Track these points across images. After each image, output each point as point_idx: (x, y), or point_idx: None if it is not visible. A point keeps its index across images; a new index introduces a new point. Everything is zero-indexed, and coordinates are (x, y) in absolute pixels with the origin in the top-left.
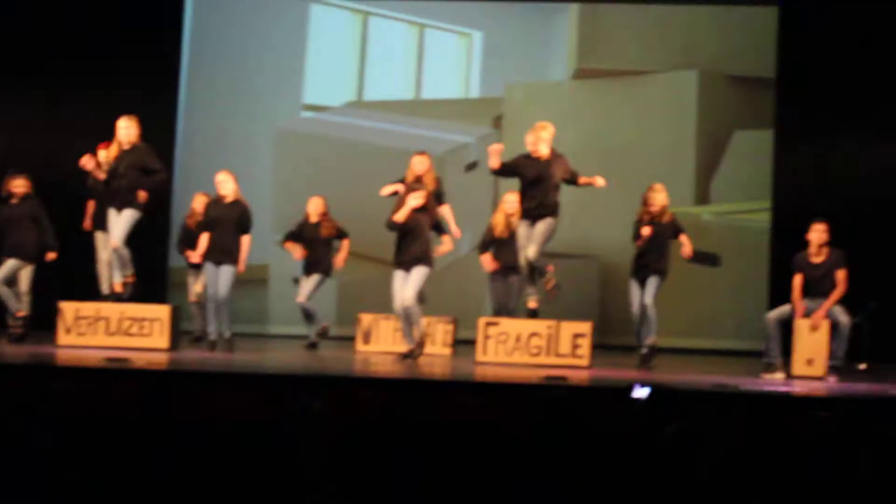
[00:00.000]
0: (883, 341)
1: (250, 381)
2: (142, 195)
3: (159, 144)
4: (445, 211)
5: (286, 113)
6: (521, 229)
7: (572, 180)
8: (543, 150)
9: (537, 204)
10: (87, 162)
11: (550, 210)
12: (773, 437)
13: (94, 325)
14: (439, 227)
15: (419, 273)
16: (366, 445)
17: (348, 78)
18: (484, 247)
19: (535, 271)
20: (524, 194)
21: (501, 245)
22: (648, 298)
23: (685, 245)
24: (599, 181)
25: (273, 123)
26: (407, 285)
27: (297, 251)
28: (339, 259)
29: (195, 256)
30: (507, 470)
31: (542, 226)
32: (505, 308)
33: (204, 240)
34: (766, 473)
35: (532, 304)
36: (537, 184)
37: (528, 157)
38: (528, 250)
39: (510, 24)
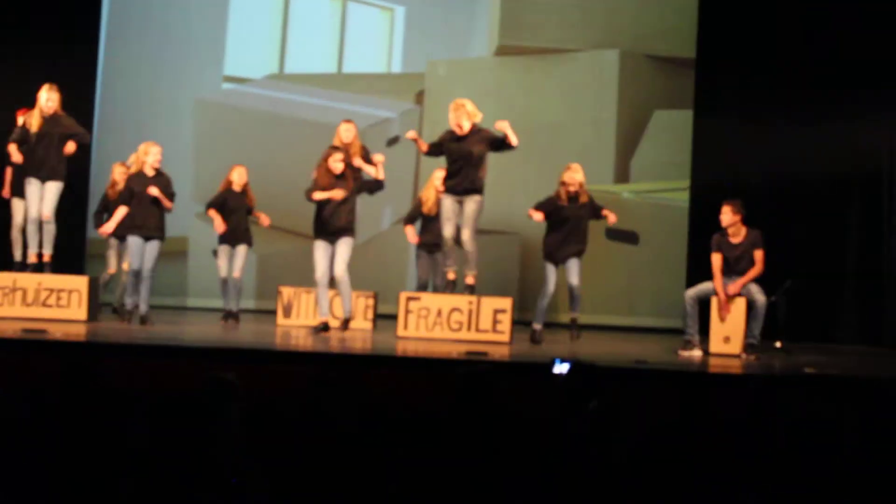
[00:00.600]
0: (798, 320)
1: (170, 353)
2: (70, 146)
3: (77, 114)
4: (378, 159)
5: (207, 84)
6: (447, 204)
7: (497, 145)
8: (465, 126)
9: (462, 180)
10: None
11: (477, 187)
12: (692, 412)
13: (10, 295)
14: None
15: (346, 244)
16: (286, 419)
17: (270, 50)
18: (410, 219)
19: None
20: (449, 171)
21: (429, 221)
22: (576, 279)
23: (609, 216)
24: (513, 139)
25: (193, 94)
26: (337, 257)
27: (219, 221)
28: (264, 218)
29: (108, 228)
30: (428, 445)
31: (472, 205)
32: (429, 283)
33: (119, 212)
34: (685, 449)
35: (451, 275)
36: (461, 160)
37: (452, 135)
38: (463, 233)
39: (433, 0)
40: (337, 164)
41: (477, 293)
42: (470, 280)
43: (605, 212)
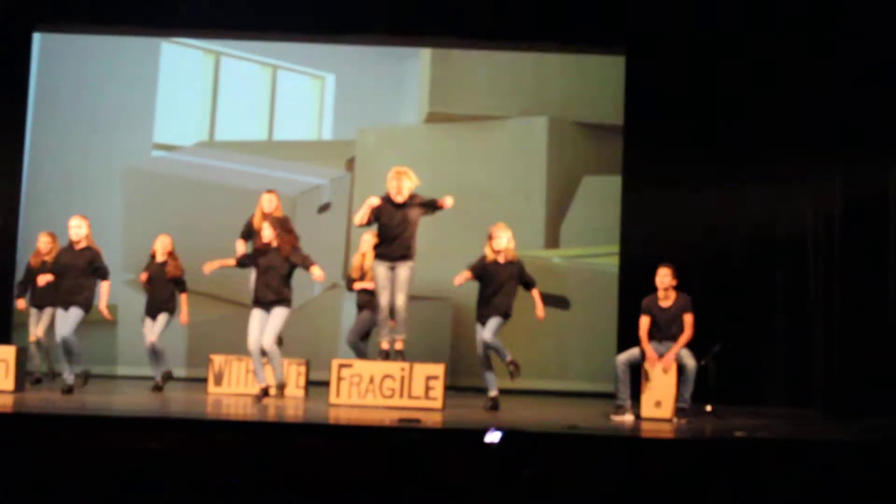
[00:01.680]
0: (728, 383)
1: (99, 424)
2: None
3: (4, 184)
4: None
5: (136, 152)
6: (380, 272)
7: (430, 207)
8: (406, 193)
9: (398, 246)
10: None
11: (410, 253)
12: (624, 477)
13: None
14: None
15: (279, 314)
16: (217, 489)
17: (200, 118)
18: (350, 284)
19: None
20: (383, 238)
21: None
22: (487, 335)
23: (538, 307)
24: (448, 201)
25: (122, 162)
26: (267, 327)
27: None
28: (183, 315)
29: (22, 304)
30: None
31: (406, 271)
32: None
33: (40, 281)
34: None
35: (385, 345)
36: (399, 227)
37: (389, 201)
38: (398, 299)
39: (363, 68)
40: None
41: (409, 359)
42: (399, 345)
43: (533, 293)
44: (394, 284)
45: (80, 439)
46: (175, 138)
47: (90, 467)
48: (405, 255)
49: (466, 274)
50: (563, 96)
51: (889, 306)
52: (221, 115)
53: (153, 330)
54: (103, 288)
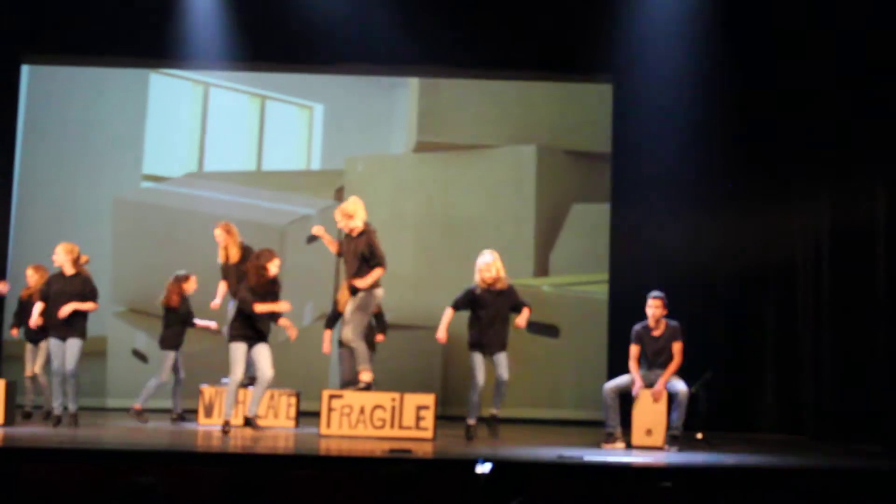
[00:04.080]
0: (718, 410)
1: (89, 457)
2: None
3: None
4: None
5: (125, 183)
6: (348, 307)
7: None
8: (355, 228)
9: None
10: None
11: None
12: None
13: None
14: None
15: (267, 347)
16: None
17: (189, 148)
18: (329, 322)
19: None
20: (347, 272)
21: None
22: (505, 373)
23: (521, 319)
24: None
25: (112, 193)
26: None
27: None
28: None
29: (16, 332)
30: None
31: (351, 304)
32: (352, 381)
33: (36, 310)
34: None
35: (361, 377)
36: (350, 261)
37: (347, 236)
38: (343, 332)
39: (351, 97)
40: (274, 267)
41: (400, 389)
42: (364, 377)
43: (524, 311)
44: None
45: (69, 472)
46: (164, 169)
47: (79, 500)
48: (354, 289)
49: (449, 316)
50: (551, 124)
51: (878, 331)
52: (210, 146)
53: (166, 367)
54: (87, 304)
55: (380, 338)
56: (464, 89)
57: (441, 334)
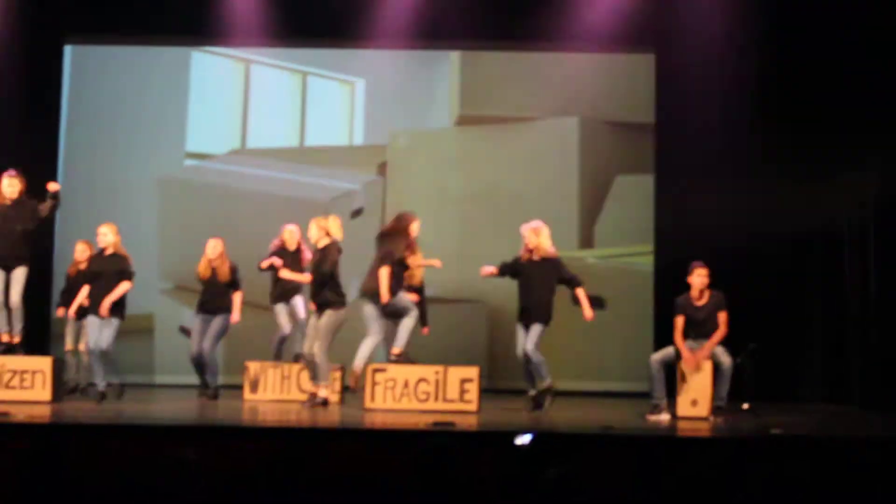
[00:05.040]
0: (764, 380)
1: (135, 433)
2: (43, 210)
3: (41, 195)
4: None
5: (169, 161)
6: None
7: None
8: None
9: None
10: None
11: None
12: (660, 477)
13: None
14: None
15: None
16: (253, 496)
17: (231, 126)
18: None
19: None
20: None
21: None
22: (529, 345)
23: (584, 307)
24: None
25: (156, 172)
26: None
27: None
28: (235, 315)
29: (70, 311)
30: None
31: (324, 319)
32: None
33: (82, 292)
34: None
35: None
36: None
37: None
38: (313, 346)
39: (393, 72)
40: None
41: (445, 363)
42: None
43: (581, 297)
44: None
45: (117, 448)
46: (207, 147)
47: (126, 476)
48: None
49: (492, 269)
50: (593, 95)
51: None
52: (253, 123)
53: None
54: (120, 287)
55: (425, 331)
56: (505, 61)
57: (483, 271)
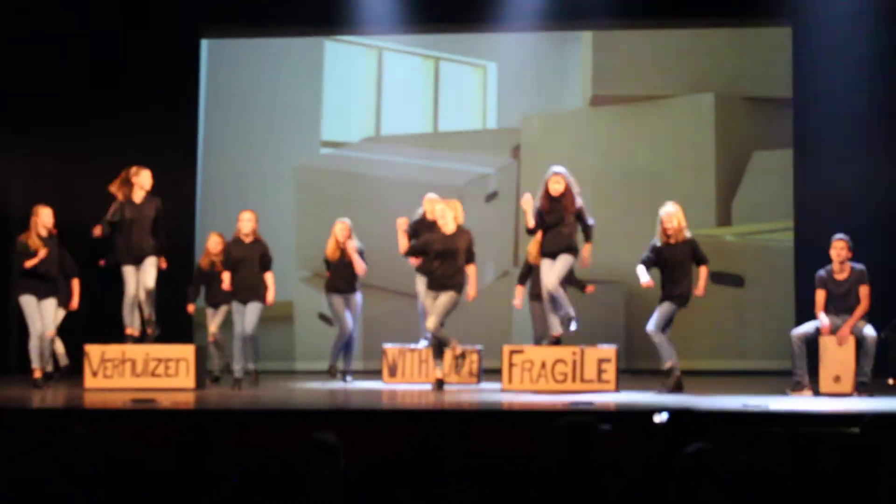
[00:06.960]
0: None
1: (277, 418)
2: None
3: (180, 188)
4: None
5: (304, 150)
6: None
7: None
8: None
9: (442, 274)
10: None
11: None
12: (802, 454)
13: (120, 367)
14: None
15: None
16: (391, 478)
17: (365, 113)
18: (522, 277)
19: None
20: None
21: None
22: (650, 325)
23: (700, 284)
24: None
25: (291, 161)
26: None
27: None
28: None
29: (192, 309)
30: (535, 500)
31: (444, 297)
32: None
33: (226, 278)
34: (796, 491)
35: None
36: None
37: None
38: (428, 321)
39: (524, 55)
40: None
41: (584, 343)
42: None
43: (701, 270)
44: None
45: (257, 433)
46: (342, 135)
47: (268, 460)
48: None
49: (649, 280)
50: (728, 71)
51: None
52: (386, 110)
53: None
54: (269, 279)
55: (590, 288)
56: (638, 39)
57: (644, 280)
